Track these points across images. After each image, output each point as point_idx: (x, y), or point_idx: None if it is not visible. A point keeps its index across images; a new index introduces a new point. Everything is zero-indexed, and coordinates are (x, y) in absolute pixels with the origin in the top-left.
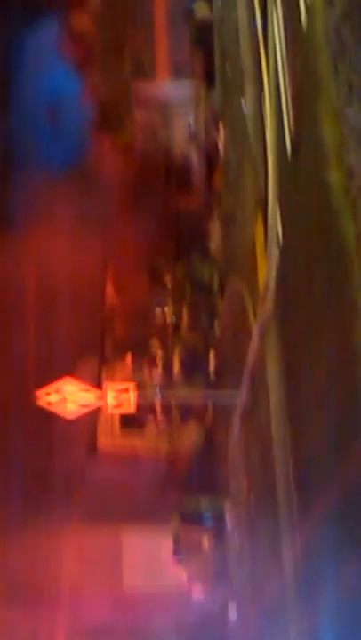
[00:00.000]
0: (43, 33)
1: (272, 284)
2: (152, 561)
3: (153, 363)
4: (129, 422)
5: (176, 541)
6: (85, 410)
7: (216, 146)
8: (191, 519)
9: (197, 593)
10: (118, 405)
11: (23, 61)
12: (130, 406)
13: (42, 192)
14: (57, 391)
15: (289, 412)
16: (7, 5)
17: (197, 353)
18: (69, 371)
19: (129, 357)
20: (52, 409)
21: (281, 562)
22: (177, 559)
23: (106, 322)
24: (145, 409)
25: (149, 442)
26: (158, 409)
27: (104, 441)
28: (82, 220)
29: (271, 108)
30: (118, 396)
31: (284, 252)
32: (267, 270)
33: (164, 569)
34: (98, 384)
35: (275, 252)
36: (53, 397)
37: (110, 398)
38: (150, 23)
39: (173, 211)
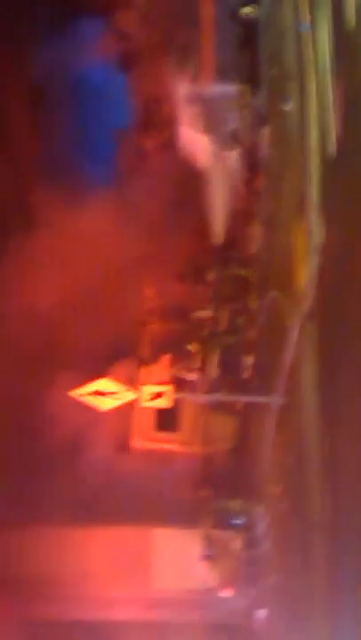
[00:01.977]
0: (88, 31)
1: (311, 287)
2: (182, 563)
3: (190, 364)
4: (163, 422)
5: (207, 544)
6: (120, 404)
7: (259, 148)
8: (222, 522)
9: (227, 596)
10: (154, 404)
11: (67, 60)
12: (164, 405)
13: (83, 191)
14: (94, 389)
15: (325, 416)
16: (52, 4)
17: (234, 355)
18: (107, 371)
19: (166, 358)
20: (87, 403)
21: (311, 567)
22: (207, 561)
23: (143, 323)
24: (180, 410)
25: (183, 443)
26: (193, 410)
27: (137, 441)
28: (122, 219)
29: (316, 110)
30: (154, 396)
31: (325, 254)
32: (306, 273)
33: (194, 571)
34: (134, 384)
35: (315, 257)
36: (89, 394)
37: (146, 396)
38: (196, 23)
39: (214, 212)
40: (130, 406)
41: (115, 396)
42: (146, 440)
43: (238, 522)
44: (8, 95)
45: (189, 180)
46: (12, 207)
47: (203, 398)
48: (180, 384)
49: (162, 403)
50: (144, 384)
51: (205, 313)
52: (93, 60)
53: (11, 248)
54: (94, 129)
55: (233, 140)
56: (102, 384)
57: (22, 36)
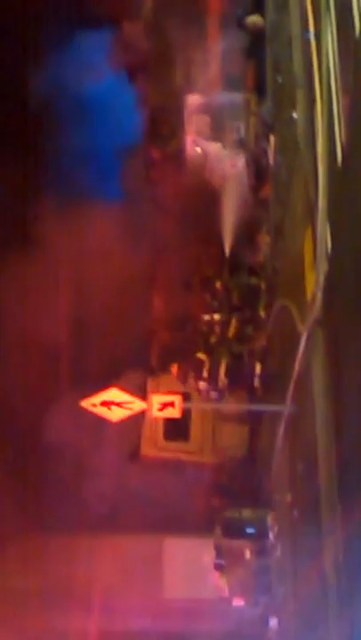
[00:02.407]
0: (95, 42)
1: (320, 296)
2: (193, 572)
3: (199, 373)
4: (173, 431)
5: (218, 553)
6: (130, 414)
7: (266, 157)
8: (233, 530)
9: (239, 605)
10: (164, 414)
11: (75, 70)
12: (174, 414)
13: (90, 200)
14: (104, 399)
15: (335, 424)
16: (60, 14)
17: (244, 363)
18: (116, 381)
19: (175, 367)
20: (97, 413)
21: (323, 576)
22: (218, 570)
23: (152, 332)
24: (190, 419)
25: (193, 451)
26: (203, 419)
27: (147, 450)
28: (129, 229)
29: (323, 119)
30: (163, 405)
31: (333, 262)
32: (315, 281)
33: (206, 580)
34: (144, 394)
35: (323, 263)
36: (99, 404)
37: (155, 406)
38: (202, 33)
39: (222, 221)
40: (140, 416)
41: (125, 405)
42: (156, 449)
43: (249, 530)
44: (13, 109)
45: (197, 190)
46: (19, 221)
47: (213, 407)
48: (189, 393)
49: (172, 412)
50: (154, 393)
51: (215, 322)
52: (100, 71)
53: (19, 261)
54: (101, 141)
55: (240, 148)
56: (112, 394)
57: (27, 48)
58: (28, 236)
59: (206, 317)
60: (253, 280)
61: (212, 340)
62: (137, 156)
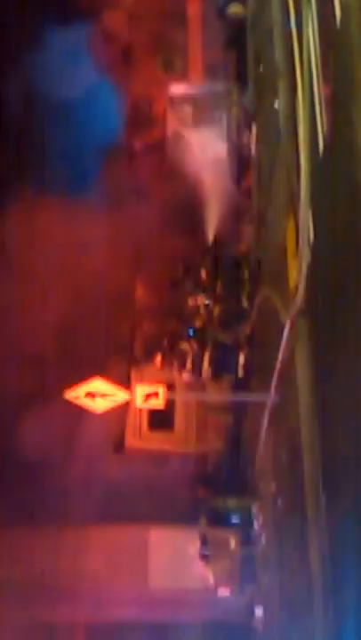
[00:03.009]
0: (75, 32)
1: (303, 284)
2: (179, 562)
3: (183, 362)
4: (157, 422)
5: (203, 543)
6: (114, 405)
7: (248, 146)
8: (218, 520)
9: (224, 594)
10: (148, 404)
11: (55, 60)
12: (159, 405)
13: (73, 192)
14: (86, 389)
15: (318, 413)
16: (38, 6)
17: (228, 353)
18: (99, 371)
19: (159, 357)
20: (81, 404)
21: (308, 564)
22: (204, 560)
23: (136, 322)
24: (174, 408)
25: (178, 441)
26: (187, 409)
27: (132, 440)
28: (112, 220)
29: (304, 108)
30: (147, 396)
31: (316, 251)
32: (298, 270)
33: (191, 570)
34: (127, 384)
35: (306, 252)
36: (83, 395)
37: (139, 397)
38: (183, 23)
39: (204, 211)
40: (124, 407)
41: (109, 397)
42: (141, 440)
43: (234, 520)
44: None
45: (180, 180)
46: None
47: (197, 398)
48: (173, 383)
49: (156, 403)
50: (138, 384)
51: (199, 307)
52: (80, 63)
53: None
54: (82, 133)
55: (222, 138)
56: (96, 385)
57: (3, 41)
58: (9, 228)
59: (191, 302)
60: (237, 270)
61: (197, 325)
62: (119, 146)
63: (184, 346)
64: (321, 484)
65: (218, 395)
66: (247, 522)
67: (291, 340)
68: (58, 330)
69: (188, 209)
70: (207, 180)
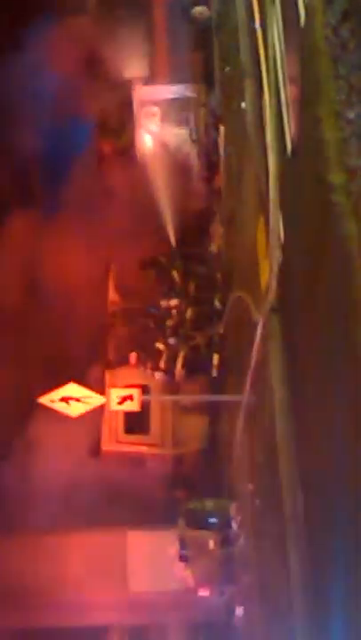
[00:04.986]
0: (39, 36)
1: (274, 285)
2: (158, 564)
3: (157, 364)
4: (133, 424)
5: (182, 544)
6: (89, 409)
7: (217, 148)
8: (197, 521)
9: (204, 595)
10: (123, 407)
11: (20, 64)
12: (134, 407)
13: (43, 195)
14: (61, 394)
15: (293, 413)
16: (4, 7)
17: (201, 354)
18: (73, 376)
19: (133, 359)
20: (56, 409)
21: (287, 565)
22: (183, 561)
23: (109, 325)
24: (149, 411)
25: (154, 444)
26: (163, 411)
27: (108, 444)
28: (82, 224)
29: (271, 109)
30: (122, 399)
31: (286, 252)
32: (269, 271)
33: (171, 572)
34: (102, 387)
35: (276, 253)
36: (57, 400)
37: (114, 400)
38: (149, 25)
39: (174, 213)
40: (99, 410)
41: (83, 400)
42: (117, 443)
43: (212, 521)
44: None
45: (149, 183)
46: None
47: (172, 399)
48: (148, 386)
49: (131, 405)
50: (112, 387)
51: (171, 308)
52: (45, 67)
53: None
54: (50, 138)
55: (190, 139)
56: (70, 389)
57: None
58: None
59: (163, 303)
60: (208, 271)
61: (169, 325)
62: (88, 150)
63: (159, 345)
64: (297, 483)
65: (192, 396)
66: (225, 522)
67: (264, 340)
68: (31, 334)
69: (159, 211)
70: (177, 182)
